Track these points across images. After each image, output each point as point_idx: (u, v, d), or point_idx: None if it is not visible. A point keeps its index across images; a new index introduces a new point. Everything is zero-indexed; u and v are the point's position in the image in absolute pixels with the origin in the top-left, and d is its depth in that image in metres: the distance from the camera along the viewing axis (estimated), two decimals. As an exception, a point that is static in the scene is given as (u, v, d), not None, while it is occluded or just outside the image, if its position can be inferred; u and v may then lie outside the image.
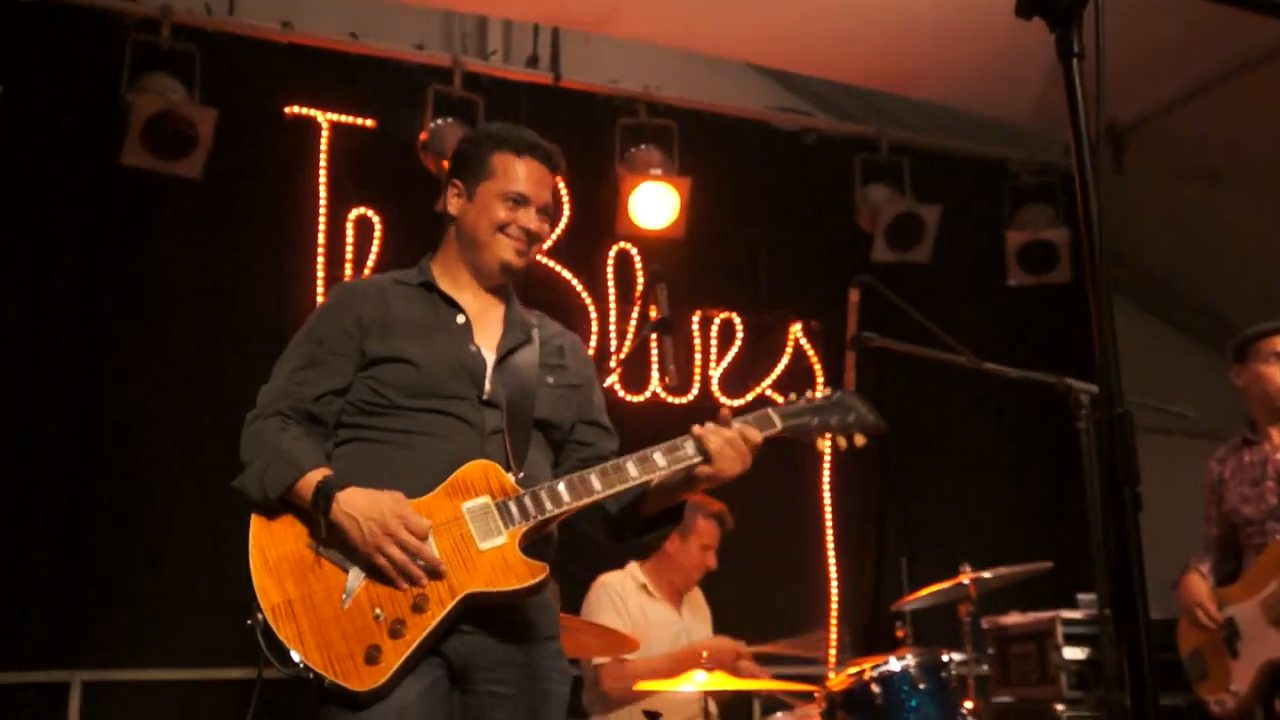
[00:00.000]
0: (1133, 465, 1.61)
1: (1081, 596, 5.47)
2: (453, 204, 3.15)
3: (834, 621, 6.82)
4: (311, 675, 2.69)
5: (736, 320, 7.12)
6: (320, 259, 6.26)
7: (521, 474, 2.93)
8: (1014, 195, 7.64)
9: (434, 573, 2.74)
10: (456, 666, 2.84)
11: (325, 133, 6.37)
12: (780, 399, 3.18)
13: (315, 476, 2.79)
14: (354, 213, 6.36)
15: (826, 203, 7.50)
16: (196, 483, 5.77)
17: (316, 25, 6.42)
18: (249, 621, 2.76)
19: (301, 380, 2.95)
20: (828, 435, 3.07)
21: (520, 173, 3.10)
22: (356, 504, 2.74)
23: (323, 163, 6.34)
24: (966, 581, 5.00)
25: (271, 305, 6.19)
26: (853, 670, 4.60)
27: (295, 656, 2.70)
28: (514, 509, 2.85)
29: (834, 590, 6.93)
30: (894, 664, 4.49)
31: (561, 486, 2.89)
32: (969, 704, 4.65)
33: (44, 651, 5.54)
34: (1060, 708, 5.27)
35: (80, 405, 5.81)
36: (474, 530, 2.82)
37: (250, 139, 6.18)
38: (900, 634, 5.25)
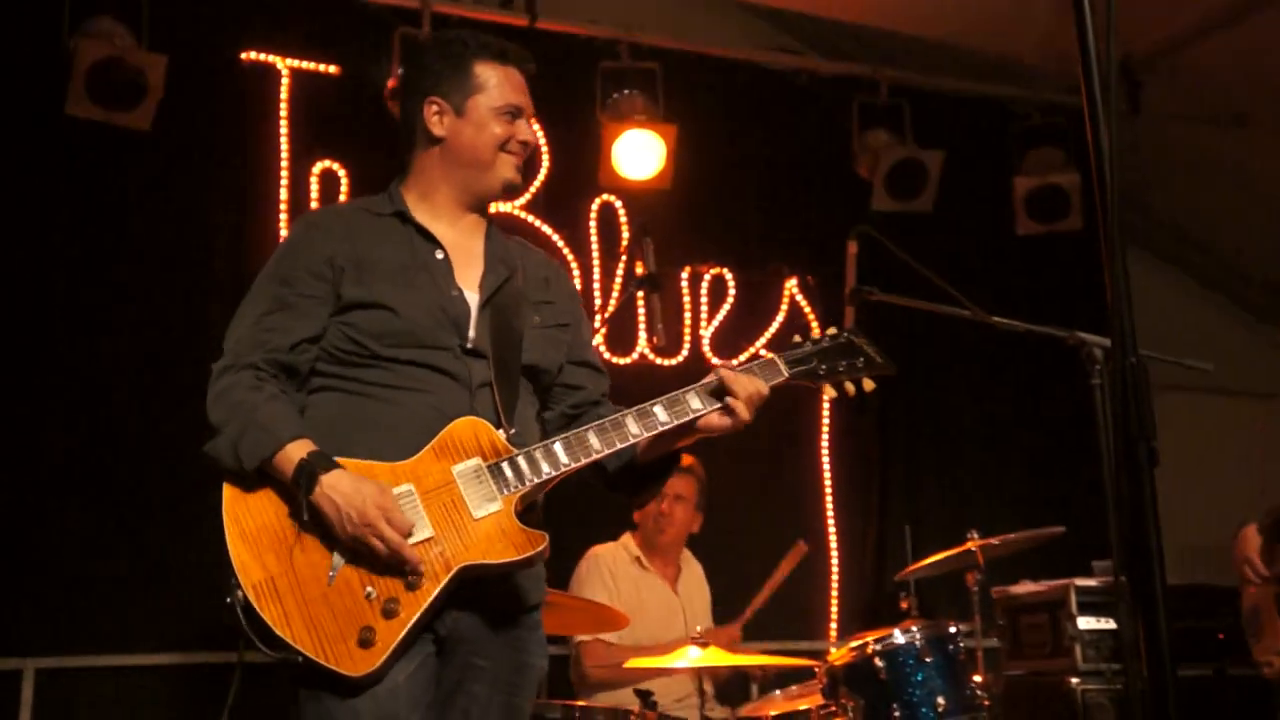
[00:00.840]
0: (1148, 418, 1.61)
1: (1097, 563, 5.48)
2: (435, 124, 3.02)
3: (835, 594, 6.85)
4: (300, 659, 2.62)
5: (728, 276, 7.14)
6: (283, 216, 6.23)
7: (513, 430, 2.86)
8: (1021, 138, 7.63)
9: (414, 572, 2.67)
10: (443, 638, 2.80)
11: (285, 80, 6.35)
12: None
13: (297, 451, 2.70)
14: (318, 166, 6.34)
15: (822, 149, 7.48)
16: (152, 457, 5.80)
17: (275, -36, 6.36)
18: (227, 600, 2.66)
19: (271, 326, 2.85)
20: (835, 382, 3.03)
21: (509, 82, 3.04)
22: (340, 489, 2.66)
23: (283, 113, 6.32)
24: (974, 549, 5.02)
25: (231, 266, 6.12)
26: (855, 643, 4.61)
27: (282, 638, 2.62)
28: (508, 472, 2.79)
29: (834, 561, 6.95)
30: (898, 636, 4.51)
31: (558, 447, 2.83)
32: (978, 678, 4.67)
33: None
34: (1075, 681, 5.28)
35: (28, 372, 5.78)
36: (466, 496, 2.76)
37: (204, 87, 6.16)
38: (905, 605, 5.27)
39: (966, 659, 4.63)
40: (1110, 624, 5.37)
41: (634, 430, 2.85)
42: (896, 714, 4.41)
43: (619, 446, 2.86)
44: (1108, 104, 1.65)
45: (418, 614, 2.67)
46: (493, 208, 3.24)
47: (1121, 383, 1.57)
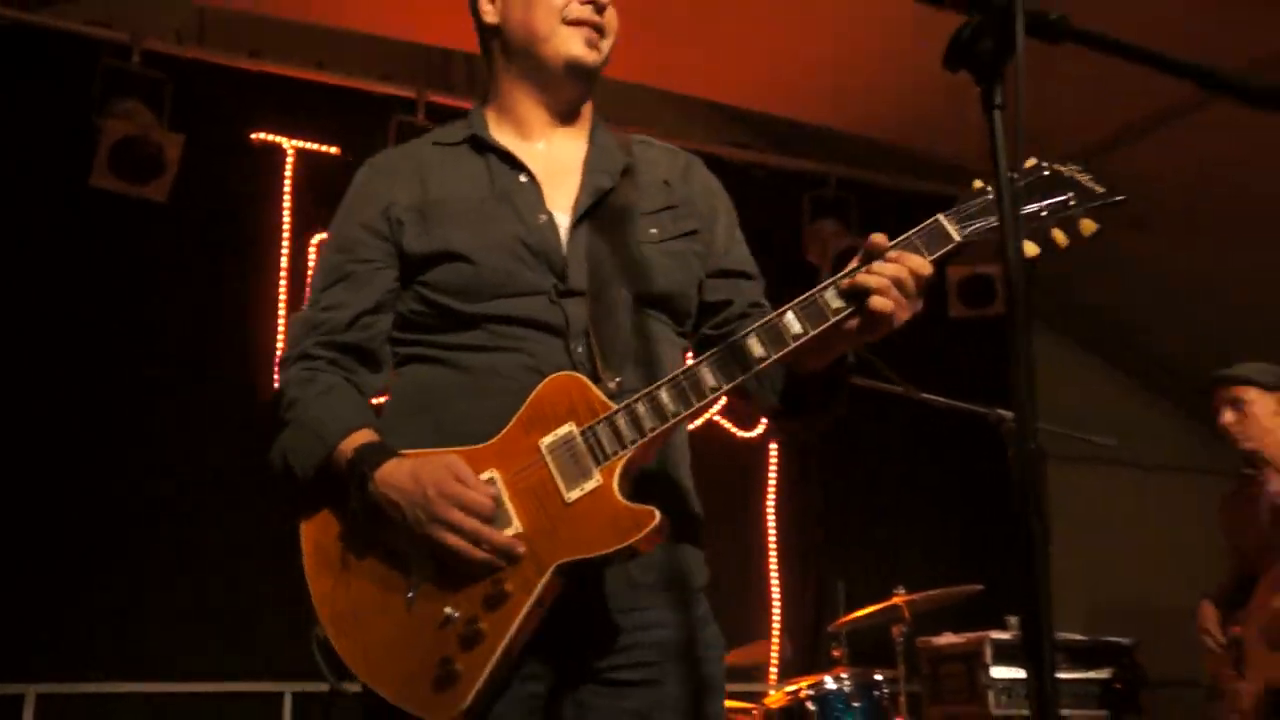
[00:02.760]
0: (1041, 499, 1.64)
1: (1010, 618, 5.52)
2: (488, 13, 2.35)
3: (775, 642, 6.84)
4: (385, 703, 2.02)
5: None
6: (283, 282, 6.28)
7: (619, 379, 2.12)
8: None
9: (508, 557, 1.99)
10: (565, 656, 2.09)
11: (290, 159, 6.41)
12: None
13: (348, 448, 2.09)
14: (317, 237, 6.33)
15: (775, 236, 7.53)
16: (159, 496, 5.76)
17: (284, 54, 6.45)
18: (315, 633, 2.11)
19: (330, 303, 2.25)
20: (1038, 230, 2.14)
21: None
22: (397, 483, 2.02)
23: (287, 188, 6.38)
24: (900, 604, 5.05)
25: (235, 327, 6.15)
26: (790, 688, 4.64)
27: (358, 677, 2.05)
28: (604, 437, 2.04)
29: (776, 612, 6.98)
30: (829, 683, 4.54)
31: (664, 392, 2.05)
32: (900, 721, 4.68)
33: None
34: (987, 726, 5.29)
35: (45, 420, 5.75)
36: (558, 474, 2.04)
37: (217, 164, 6.18)
38: (837, 654, 5.27)
39: (890, 704, 4.66)
40: (1020, 673, 5.37)
41: (759, 353, 2.05)
42: (825, 753, 4.41)
43: (740, 378, 2.07)
44: (1016, 222, 1.68)
45: (505, 640, 1.96)
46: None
47: (1020, 467, 1.59)
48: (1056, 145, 7.47)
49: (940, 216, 2.15)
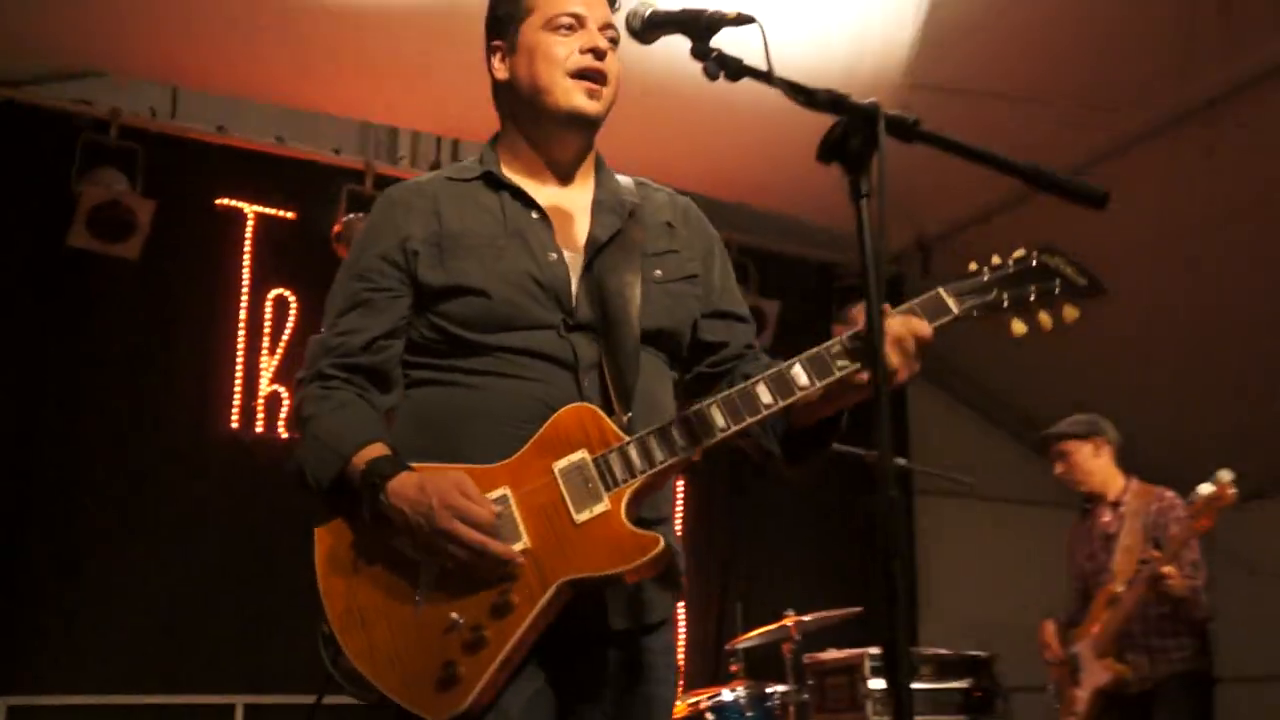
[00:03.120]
0: (898, 540, 1.66)
1: (886, 637, 5.52)
2: (498, 70, 2.23)
3: (681, 658, 6.81)
4: (386, 700, 1.91)
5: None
6: (241, 331, 6.25)
7: (630, 415, 2.03)
8: (840, 294, 7.79)
9: (508, 569, 1.91)
10: (554, 671, 2.01)
11: (250, 222, 6.38)
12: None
13: (360, 461, 1.99)
14: (273, 293, 6.35)
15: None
16: (123, 522, 5.70)
17: (247, 129, 6.41)
18: (322, 629, 2.01)
19: (346, 328, 2.12)
20: (1025, 314, 2.06)
21: None
22: (406, 494, 1.92)
23: (247, 248, 6.35)
24: (790, 624, 5.04)
25: (194, 371, 6.15)
26: (691, 700, 4.61)
27: (363, 674, 1.92)
28: (616, 465, 1.97)
29: (683, 631, 6.94)
30: (726, 695, 4.53)
31: (675, 429, 1.98)
32: (789, 728, 4.67)
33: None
34: (866, 730, 5.30)
35: (20, 449, 5.69)
36: (569, 497, 1.96)
37: (184, 226, 6.15)
38: (734, 669, 5.25)
39: (781, 713, 4.64)
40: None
41: (766, 400, 1.98)
42: (723, 757, 4.39)
43: (749, 422, 1.98)
44: (879, 284, 1.70)
45: (507, 647, 1.88)
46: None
47: (881, 514, 1.61)
48: (923, 223, 7.66)
49: (940, 289, 2.06)
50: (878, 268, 1.69)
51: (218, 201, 6.30)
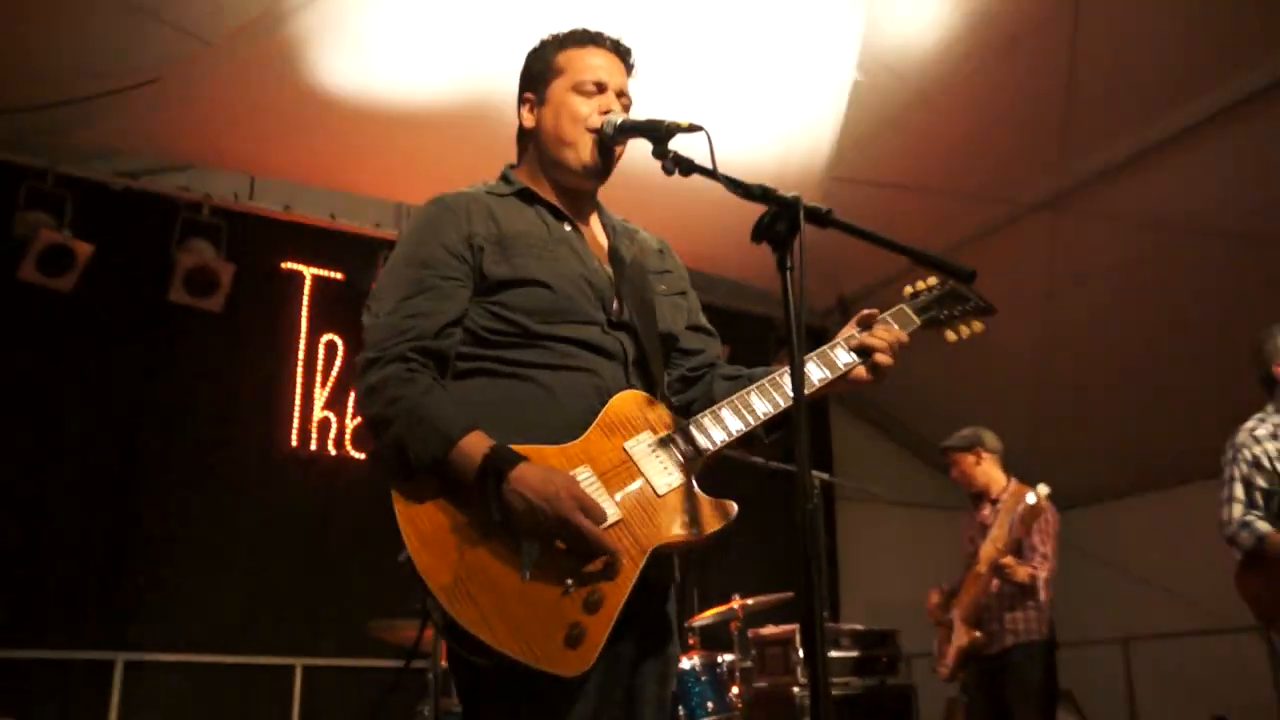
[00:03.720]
0: (818, 543, 1.65)
1: (814, 614, 5.49)
2: (526, 118, 2.09)
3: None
4: (508, 661, 1.66)
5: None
6: (300, 369, 6.20)
7: (669, 400, 1.97)
8: (777, 342, 7.74)
9: (613, 559, 1.74)
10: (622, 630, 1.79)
11: (308, 282, 6.34)
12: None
13: (473, 447, 1.74)
14: (325, 337, 6.30)
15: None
16: (208, 515, 5.71)
17: (307, 208, 6.39)
18: (417, 606, 1.74)
19: (414, 311, 1.86)
20: (954, 326, 2.16)
21: (590, 61, 2.06)
22: (529, 482, 1.71)
23: (305, 302, 6.31)
24: (736, 606, 5.00)
25: (262, 399, 6.10)
26: (655, 667, 4.54)
27: (483, 641, 1.66)
28: (682, 443, 1.87)
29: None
30: (685, 664, 4.45)
31: (726, 412, 1.91)
32: (735, 689, 4.62)
33: (94, 632, 5.32)
34: (797, 691, 5.25)
35: (125, 464, 5.67)
36: (647, 472, 1.83)
37: (256, 285, 6.14)
38: (691, 641, 5.19)
39: (728, 677, 4.58)
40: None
41: (789, 389, 1.92)
42: (681, 714, 4.33)
43: (783, 406, 1.92)
44: (801, 339, 1.70)
45: (621, 603, 1.73)
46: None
47: (801, 521, 1.60)
48: (842, 284, 7.68)
49: (904, 305, 2.14)
50: (799, 325, 1.69)
51: (283, 265, 6.28)
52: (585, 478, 1.79)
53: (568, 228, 2.03)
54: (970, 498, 5.08)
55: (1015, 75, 5.61)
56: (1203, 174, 5.75)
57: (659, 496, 1.82)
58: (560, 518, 1.70)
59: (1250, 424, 3.73)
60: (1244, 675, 6.68)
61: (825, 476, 5.59)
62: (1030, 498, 4.50)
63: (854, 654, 5.45)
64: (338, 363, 6.27)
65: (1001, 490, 4.92)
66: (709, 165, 1.85)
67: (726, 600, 5.08)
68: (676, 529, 1.80)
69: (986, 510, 4.93)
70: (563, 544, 1.72)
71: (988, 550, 4.69)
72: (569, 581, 1.71)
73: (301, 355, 6.20)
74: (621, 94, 2.07)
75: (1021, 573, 4.55)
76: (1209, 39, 5.23)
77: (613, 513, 1.78)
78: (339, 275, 6.39)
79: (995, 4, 5.26)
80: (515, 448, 1.76)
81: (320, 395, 6.20)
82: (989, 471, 4.98)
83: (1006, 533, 4.63)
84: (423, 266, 1.90)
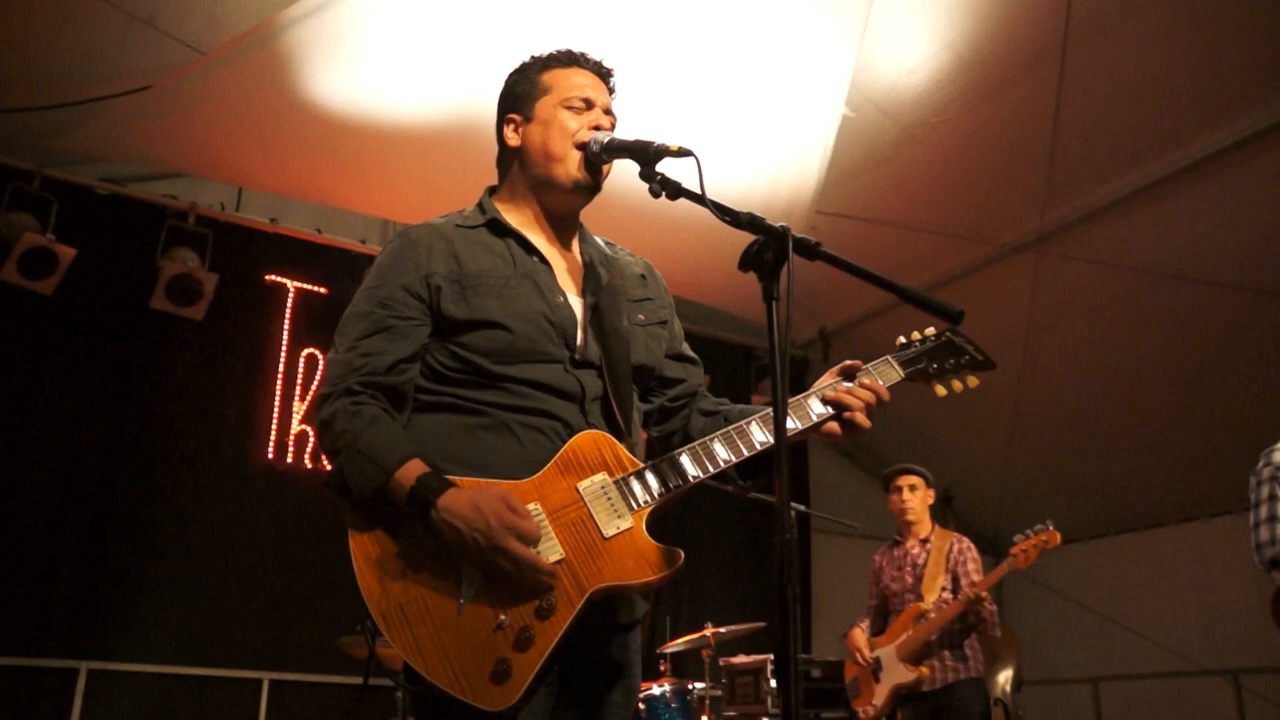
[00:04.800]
0: (793, 572, 1.63)
1: (785, 646, 5.47)
2: (511, 138, 2.05)
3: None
4: (436, 691, 1.67)
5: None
6: (279, 381, 6.15)
7: (631, 442, 1.90)
8: (758, 371, 7.80)
9: (550, 578, 1.72)
10: (566, 665, 1.82)
11: (291, 295, 6.30)
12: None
13: (406, 478, 1.74)
14: (305, 351, 6.27)
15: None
16: (182, 525, 5.67)
17: (293, 221, 6.37)
18: (357, 628, 1.76)
19: (369, 350, 1.86)
20: (944, 380, 2.07)
21: (575, 80, 2.04)
22: (458, 510, 1.70)
23: (288, 315, 6.27)
24: (708, 634, 4.98)
25: (241, 410, 6.05)
26: (626, 693, 4.50)
27: (413, 668, 1.68)
28: (637, 487, 1.82)
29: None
30: (655, 690, 4.44)
31: (685, 459, 1.86)
32: (705, 718, 4.59)
33: (58, 640, 5.25)
34: (766, 720, 5.23)
35: (105, 471, 5.61)
36: (595, 514, 1.79)
37: (239, 295, 6.10)
38: (663, 668, 5.17)
39: (699, 705, 4.55)
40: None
41: (760, 438, 1.89)
42: (650, 741, 4.29)
43: (746, 455, 1.88)
44: (784, 371, 1.69)
45: (554, 643, 1.71)
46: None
47: (777, 551, 1.59)
48: (824, 318, 7.71)
49: (888, 358, 2.04)
50: (783, 357, 1.67)
51: (267, 277, 6.24)
52: (533, 514, 1.77)
53: (536, 260, 1.98)
54: (899, 528, 5.00)
55: (1001, 118, 5.67)
56: (1181, 221, 5.83)
57: (605, 540, 1.78)
58: (492, 543, 1.69)
59: None
60: (1212, 718, 6.69)
61: (802, 508, 5.58)
62: (1034, 531, 4.48)
63: (824, 685, 5.43)
64: (317, 376, 6.22)
65: (929, 532, 4.85)
66: (697, 191, 1.82)
67: (699, 628, 5.05)
68: (618, 573, 1.76)
69: (916, 549, 4.85)
70: (502, 565, 1.70)
71: (929, 590, 4.64)
72: (502, 617, 1.70)
73: (281, 368, 6.15)
74: (608, 112, 2.05)
75: (987, 611, 4.53)
76: (1191, 91, 5.31)
77: (554, 553, 1.75)
78: (323, 289, 6.36)
79: (985, 47, 5.33)
80: (465, 480, 1.76)
81: (298, 409, 6.15)
82: (926, 511, 4.97)
83: (943, 572, 4.61)
84: (380, 306, 1.90)
